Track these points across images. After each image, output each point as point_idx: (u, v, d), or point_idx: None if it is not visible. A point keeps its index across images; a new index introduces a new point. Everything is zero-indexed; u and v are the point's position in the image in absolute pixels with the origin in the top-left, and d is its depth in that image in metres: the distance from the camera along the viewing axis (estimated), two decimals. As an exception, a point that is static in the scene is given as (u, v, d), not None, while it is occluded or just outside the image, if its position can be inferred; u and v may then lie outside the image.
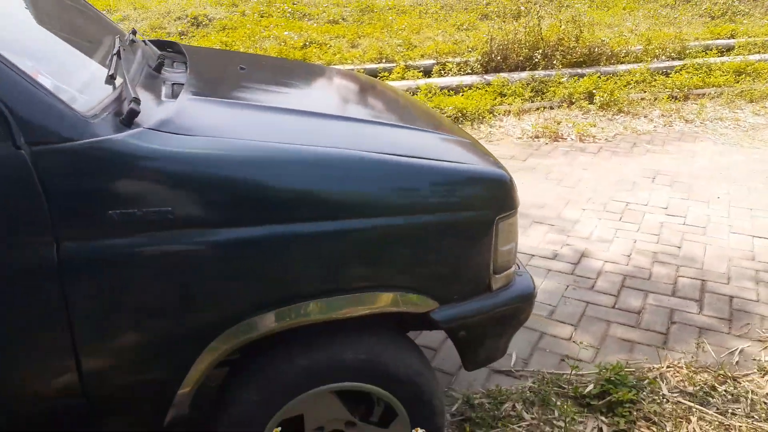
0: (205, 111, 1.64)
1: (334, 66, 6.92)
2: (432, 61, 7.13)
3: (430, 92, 6.17)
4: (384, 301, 1.63)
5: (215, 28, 8.63)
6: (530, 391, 2.32)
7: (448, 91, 6.31)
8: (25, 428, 1.50)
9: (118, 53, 1.73)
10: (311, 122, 1.75)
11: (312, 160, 1.52)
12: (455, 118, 5.75)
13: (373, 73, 6.84)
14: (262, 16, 9.24)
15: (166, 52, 2.38)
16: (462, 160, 1.76)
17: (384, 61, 7.20)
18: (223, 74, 2.17)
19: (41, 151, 1.29)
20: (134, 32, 2.30)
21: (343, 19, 9.39)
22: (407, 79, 6.64)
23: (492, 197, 1.74)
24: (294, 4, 10.23)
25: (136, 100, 1.46)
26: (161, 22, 8.88)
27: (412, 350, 1.76)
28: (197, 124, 1.52)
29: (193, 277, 1.44)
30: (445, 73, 6.92)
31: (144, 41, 2.32)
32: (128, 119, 1.42)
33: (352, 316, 1.61)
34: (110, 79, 1.58)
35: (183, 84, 1.79)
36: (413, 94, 6.21)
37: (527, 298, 1.90)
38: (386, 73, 6.77)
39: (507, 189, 1.77)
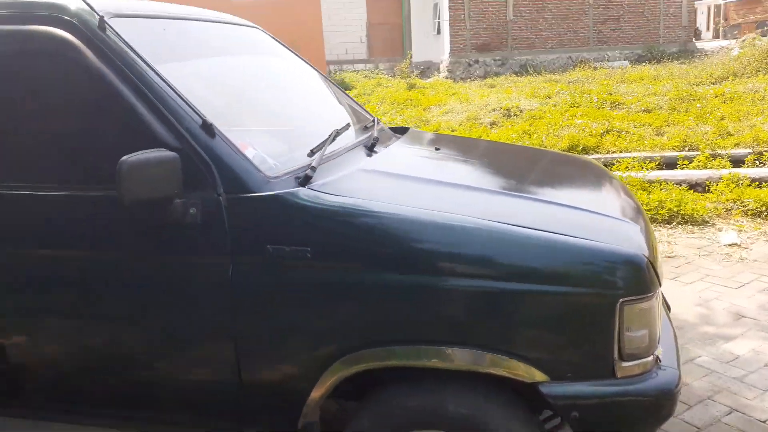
0: (365, 179, 2.02)
1: (620, 154, 6.74)
2: (747, 150, 6.35)
3: (732, 182, 5.52)
4: (487, 362, 1.71)
5: (523, 118, 9.19)
6: None
7: (761, 183, 5.54)
8: (198, 404, 2.01)
9: (334, 135, 2.24)
10: (452, 192, 1.98)
11: (431, 223, 1.75)
12: (758, 212, 5.03)
13: (672, 162, 6.43)
14: (571, 107, 9.49)
15: (398, 134, 2.88)
16: (594, 238, 1.75)
17: (687, 149, 6.69)
18: (418, 153, 2.54)
19: (231, 198, 1.81)
20: (375, 120, 2.84)
21: (658, 107, 9.02)
22: (710, 168, 6.04)
23: (617, 278, 1.68)
24: (610, 94, 10.23)
25: (313, 169, 1.91)
26: (478, 113, 9.85)
27: (521, 420, 1.76)
28: (351, 188, 1.90)
29: (319, 306, 1.78)
30: (761, 163, 6.09)
31: (382, 127, 2.84)
32: (303, 181, 1.87)
33: (458, 369, 1.73)
34: (311, 153, 2.08)
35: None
36: (714, 184, 5.63)
37: (662, 395, 1.71)
38: (686, 162, 6.28)
39: (637, 272, 1.69)
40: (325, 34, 17.23)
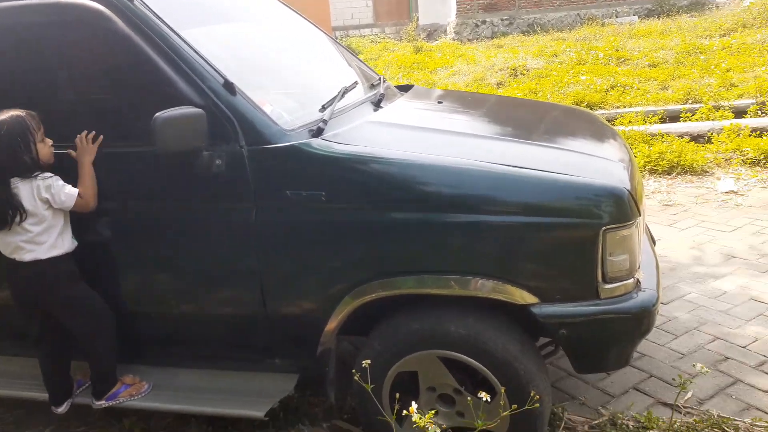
0: (370, 130, 2.22)
1: (624, 110, 6.85)
2: (750, 101, 6.44)
3: (733, 133, 5.63)
4: (484, 288, 1.93)
5: (530, 77, 9.26)
6: (684, 427, 2.21)
7: (761, 132, 5.65)
8: (231, 338, 2.25)
9: (343, 92, 2.43)
10: (452, 139, 2.19)
11: (432, 165, 1.95)
12: (756, 160, 5.16)
13: (676, 115, 6.53)
14: (577, 64, 9.53)
15: (403, 92, 3.06)
16: (581, 174, 1.94)
17: (690, 101, 6.79)
18: (420, 106, 2.72)
19: (252, 150, 2.02)
20: (381, 78, 3.02)
21: (664, 62, 9.05)
22: (713, 119, 6.15)
23: (599, 208, 1.88)
24: (617, 50, 10.24)
25: (324, 122, 2.12)
26: (484, 74, 9.91)
27: (516, 339, 1.98)
28: (357, 138, 2.10)
29: (334, 244, 2.00)
30: (763, 113, 6.18)
31: (388, 85, 3.02)
32: (316, 133, 2.07)
33: (456, 294, 1.96)
34: (323, 108, 2.28)
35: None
36: (716, 135, 5.74)
37: (641, 313, 1.93)
38: (689, 114, 6.38)
39: (618, 203, 1.88)
40: (330, -1, 17.11)
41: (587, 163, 2.08)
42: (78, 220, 2.19)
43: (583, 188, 1.91)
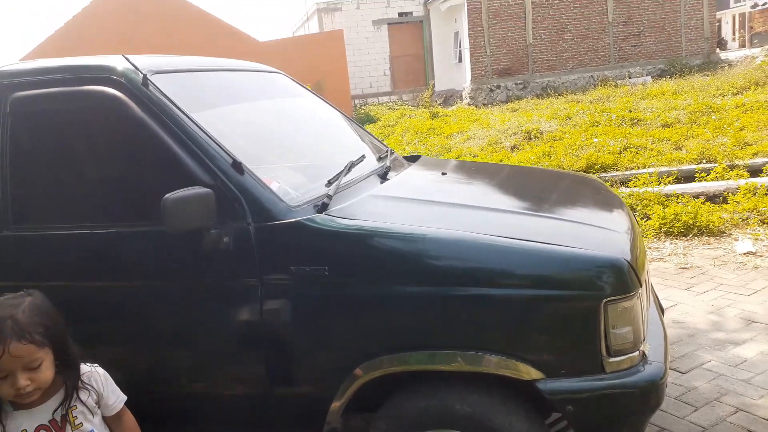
0: (375, 203, 2.27)
1: (638, 171, 6.87)
2: (765, 159, 6.42)
3: (749, 192, 5.60)
4: (490, 363, 1.91)
5: (544, 140, 9.37)
6: (705, 506, 2.12)
7: (779, 191, 5.61)
8: (235, 418, 2.23)
9: (350, 166, 2.50)
10: (454, 211, 2.22)
11: (433, 239, 1.98)
12: (774, 221, 5.10)
13: (691, 175, 6.53)
14: (591, 126, 9.64)
15: (411, 162, 3.13)
16: (580, 246, 1.95)
17: (705, 161, 6.80)
18: (426, 178, 2.78)
19: (258, 227, 2.07)
20: (388, 150, 3.10)
21: (678, 121, 9.11)
22: (728, 179, 6.13)
23: (600, 280, 1.88)
24: (630, 111, 10.35)
25: (329, 197, 2.17)
26: (499, 138, 10.07)
27: (522, 417, 1.94)
28: (361, 212, 2.15)
29: (336, 319, 2.02)
30: (780, 171, 6.15)
31: (395, 156, 3.10)
32: (321, 208, 2.13)
33: (458, 371, 1.94)
34: (329, 183, 2.34)
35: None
36: (731, 194, 5.71)
37: (648, 387, 1.88)
38: (704, 174, 6.38)
39: (618, 274, 1.88)
40: (349, 69, 17.72)
41: (588, 234, 2.10)
42: (84, 296, 2.23)
43: (583, 260, 1.92)
